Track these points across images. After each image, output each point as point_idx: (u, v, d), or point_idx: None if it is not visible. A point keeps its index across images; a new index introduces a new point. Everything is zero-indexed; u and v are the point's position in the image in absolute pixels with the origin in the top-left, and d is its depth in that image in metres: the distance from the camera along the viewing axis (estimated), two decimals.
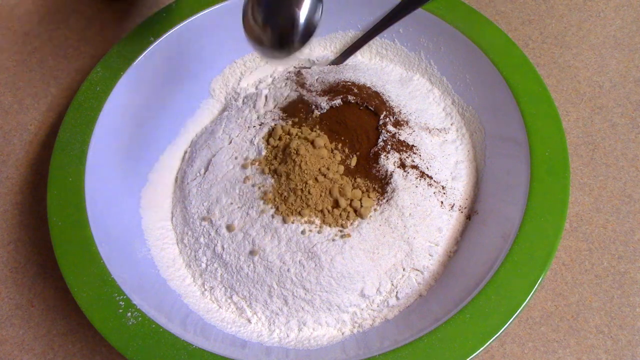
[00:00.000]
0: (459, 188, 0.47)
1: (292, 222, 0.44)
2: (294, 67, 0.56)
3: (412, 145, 0.47)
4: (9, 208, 0.52)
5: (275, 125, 0.49)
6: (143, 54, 0.50)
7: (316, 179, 0.44)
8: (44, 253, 0.49)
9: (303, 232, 0.43)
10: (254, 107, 0.52)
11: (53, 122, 0.56)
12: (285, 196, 0.45)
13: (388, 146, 0.46)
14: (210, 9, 0.52)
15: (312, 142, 0.45)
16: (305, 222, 0.44)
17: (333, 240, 0.43)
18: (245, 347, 0.40)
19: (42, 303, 0.47)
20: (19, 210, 0.51)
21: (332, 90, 0.49)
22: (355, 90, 0.49)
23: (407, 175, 0.45)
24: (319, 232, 0.43)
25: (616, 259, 0.47)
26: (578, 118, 0.53)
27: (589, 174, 0.50)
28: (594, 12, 0.60)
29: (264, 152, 0.47)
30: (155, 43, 0.51)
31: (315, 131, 0.47)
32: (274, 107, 0.51)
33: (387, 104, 0.49)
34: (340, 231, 0.43)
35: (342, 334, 0.42)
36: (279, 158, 0.46)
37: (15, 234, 0.50)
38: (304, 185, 0.44)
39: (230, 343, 0.41)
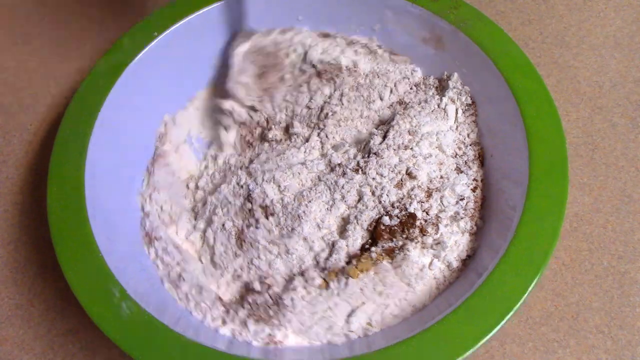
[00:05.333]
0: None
1: None
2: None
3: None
4: (9, 208, 0.52)
5: None
6: (144, 51, 0.50)
7: None
8: (44, 253, 0.49)
9: None
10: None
11: (53, 122, 0.56)
12: None
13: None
14: (214, 5, 0.52)
15: None
16: None
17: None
18: (233, 342, 0.41)
19: (42, 303, 0.47)
20: (19, 210, 0.51)
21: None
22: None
23: (420, 244, 0.43)
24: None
25: (616, 259, 0.47)
26: (578, 118, 0.53)
27: (589, 174, 0.50)
28: (594, 12, 0.60)
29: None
30: (159, 38, 0.51)
31: None
32: None
33: None
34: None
35: None
36: None
37: (15, 234, 0.50)
38: None
39: (221, 339, 0.41)
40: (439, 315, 0.37)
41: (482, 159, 0.47)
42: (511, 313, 0.36)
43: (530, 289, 0.37)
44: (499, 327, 0.36)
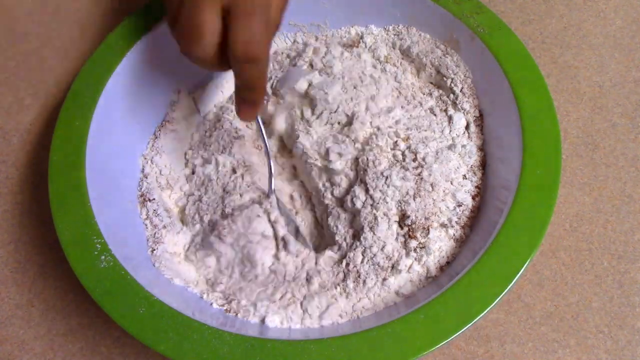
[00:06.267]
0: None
1: None
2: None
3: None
4: (9, 208, 0.52)
5: None
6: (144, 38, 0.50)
7: None
8: (44, 253, 0.49)
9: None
10: None
11: (53, 122, 0.56)
12: None
13: None
14: None
15: None
16: None
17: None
18: (204, 311, 0.41)
19: (42, 303, 0.47)
20: (19, 210, 0.51)
21: None
22: None
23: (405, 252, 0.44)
24: None
25: (616, 259, 0.47)
26: (578, 118, 0.53)
27: (589, 174, 0.50)
28: (594, 12, 0.60)
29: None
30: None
31: None
32: None
33: None
34: None
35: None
36: None
37: (15, 234, 0.50)
38: None
39: (193, 304, 0.42)
40: (404, 312, 0.37)
41: (484, 165, 0.47)
42: (473, 322, 0.36)
43: (495, 302, 0.36)
44: (461, 331, 0.35)
